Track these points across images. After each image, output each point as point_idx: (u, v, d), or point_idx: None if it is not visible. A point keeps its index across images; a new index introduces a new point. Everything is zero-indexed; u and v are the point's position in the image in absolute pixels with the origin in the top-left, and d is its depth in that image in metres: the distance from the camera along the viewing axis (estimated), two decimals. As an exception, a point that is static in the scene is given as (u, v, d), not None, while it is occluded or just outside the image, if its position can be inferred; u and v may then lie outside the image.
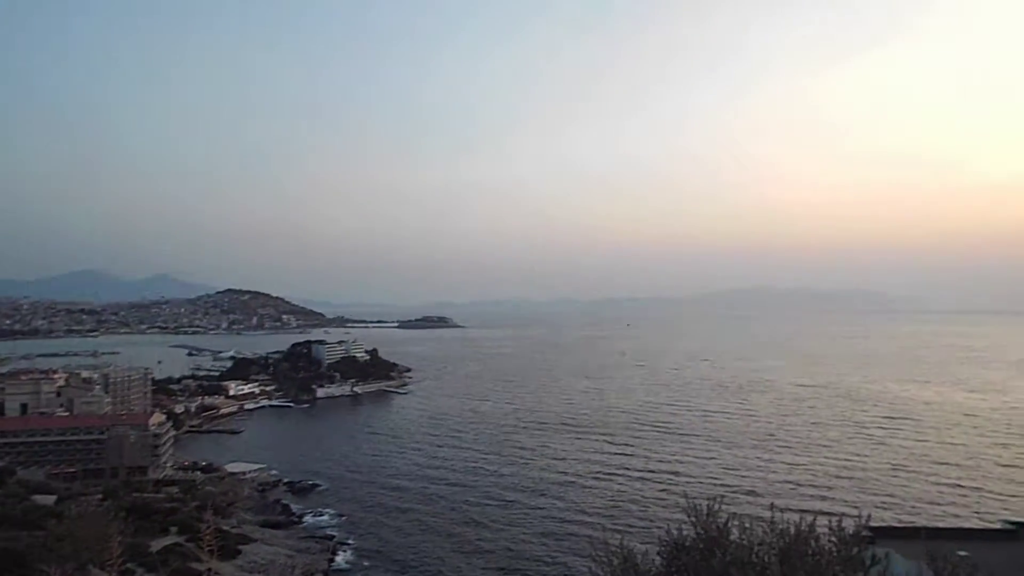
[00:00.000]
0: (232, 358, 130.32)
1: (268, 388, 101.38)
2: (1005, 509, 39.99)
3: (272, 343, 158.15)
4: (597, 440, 64.04)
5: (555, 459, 56.60)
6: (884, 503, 42.13)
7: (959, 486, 45.41)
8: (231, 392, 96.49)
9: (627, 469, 52.03)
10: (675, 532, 6.59)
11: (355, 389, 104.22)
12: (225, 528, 39.99)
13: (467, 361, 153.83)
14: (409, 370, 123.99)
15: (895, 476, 48.69)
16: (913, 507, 41.35)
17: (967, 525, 26.69)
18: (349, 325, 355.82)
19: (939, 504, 41.98)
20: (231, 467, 57.86)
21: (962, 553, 7.37)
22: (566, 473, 51.68)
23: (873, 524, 8.28)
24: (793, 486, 46.28)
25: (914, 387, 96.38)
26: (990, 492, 44.17)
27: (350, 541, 41.48)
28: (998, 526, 16.01)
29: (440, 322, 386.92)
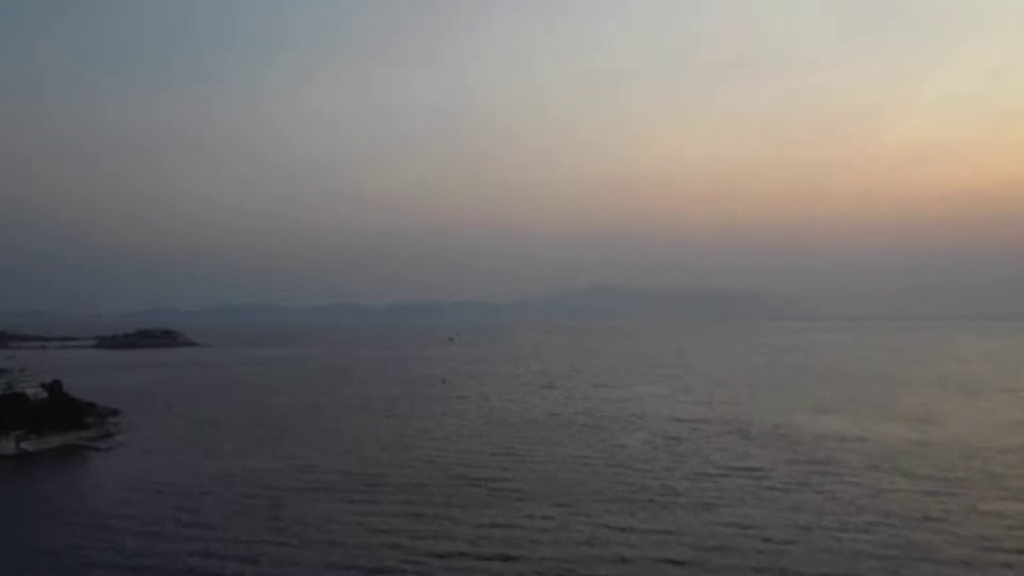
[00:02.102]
0: None
1: None
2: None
3: None
4: (394, 506, 54.94)
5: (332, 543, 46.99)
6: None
7: (887, 556, 41.53)
8: None
9: (427, 554, 43.73)
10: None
11: (23, 445, 79.31)
12: None
13: (207, 396, 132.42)
14: (116, 412, 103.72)
15: (797, 545, 43.18)
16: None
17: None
18: (14, 345, 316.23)
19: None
20: None
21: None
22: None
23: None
24: (655, 564, 40.91)
25: (826, 418, 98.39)
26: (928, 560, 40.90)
27: None
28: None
29: (165, 339, 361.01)
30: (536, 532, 46.72)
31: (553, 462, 70.44)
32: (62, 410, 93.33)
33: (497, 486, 60.26)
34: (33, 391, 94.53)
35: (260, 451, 79.17)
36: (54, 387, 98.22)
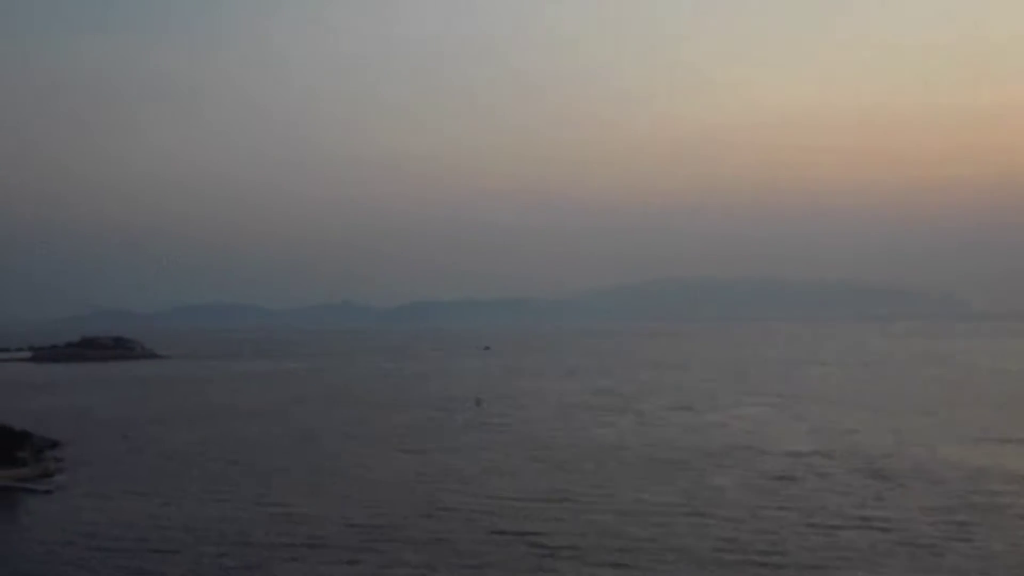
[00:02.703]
0: None
1: None
2: None
3: None
4: (410, 569, 53.22)
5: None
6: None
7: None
8: None
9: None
10: None
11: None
12: None
13: (172, 424, 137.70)
14: (56, 444, 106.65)
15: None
16: None
17: None
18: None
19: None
20: None
21: None
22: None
23: None
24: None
25: (988, 450, 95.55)
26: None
27: None
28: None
29: (118, 349, 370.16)
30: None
31: (618, 511, 68.63)
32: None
33: (544, 542, 58.79)
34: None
35: (238, 496, 78.52)
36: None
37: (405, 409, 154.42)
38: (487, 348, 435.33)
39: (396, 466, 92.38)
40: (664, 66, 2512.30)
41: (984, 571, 50.28)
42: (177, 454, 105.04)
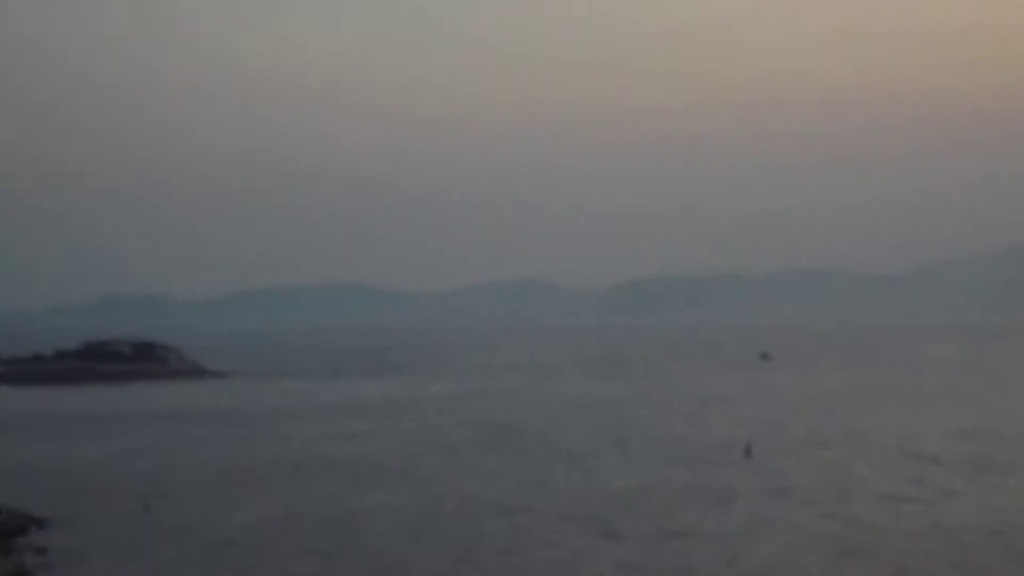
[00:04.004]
0: None
1: None
2: None
3: None
4: None
5: None
6: None
7: None
8: None
9: None
10: None
11: None
12: None
13: (230, 488, 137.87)
14: (41, 524, 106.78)
15: None
16: None
17: None
18: None
19: None
20: None
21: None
22: None
23: None
24: None
25: None
26: None
27: None
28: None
29: (142, 361, 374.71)
30: None
31: None
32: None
33: None
34: None
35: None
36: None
37: (613, 460, 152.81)
38: (764, 356, 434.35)
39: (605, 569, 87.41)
40: None
41: None
42: (235, 541, 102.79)
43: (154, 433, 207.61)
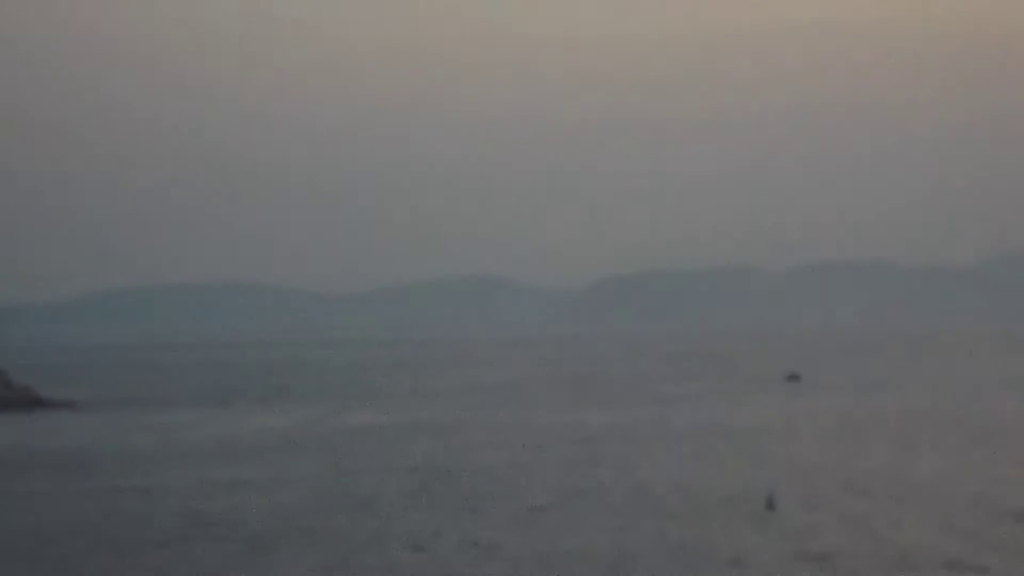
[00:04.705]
0: None
1: None
2: None
3: None
4: None
5: None
6: None
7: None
8: None
9: None
10: None
11: None
12: None
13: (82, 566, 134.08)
14: None
15: None
16: None
17: None
18: None
19: None
20: None
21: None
22: None
23: None
24: None
25: None
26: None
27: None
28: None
29: None
30: None
31: None
32: None
33: None
34: None
35: None
36: None
37: (604, 512, 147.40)
38: (792, 377, 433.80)
39: None
40: None
41: None
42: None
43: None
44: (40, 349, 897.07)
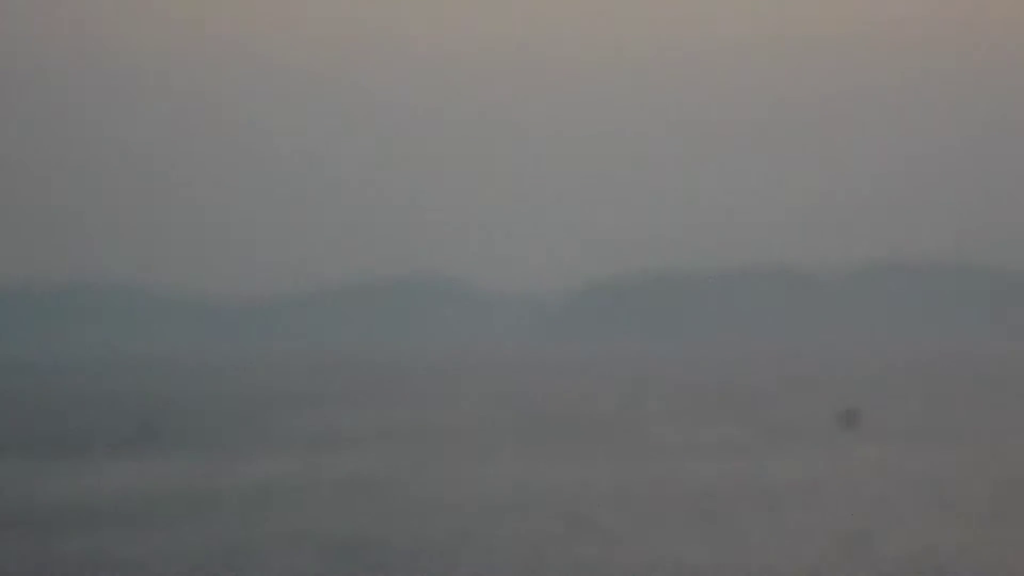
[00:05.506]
0: None
1: None
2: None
3: None
4: None
5: None
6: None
7: None
8: None
9: None
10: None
11: None
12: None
13: None
14: None
15: None
16: None
17: None
18: None
19: None
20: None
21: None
22: None
23: None
24: None
25: None
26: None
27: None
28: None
29: None
30: None
31: None
32: None
33: None
34: None
35: None
36: None
37: None
38: (848, 417, 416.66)
39: None
40: None
41: None
42: None
43: None
44: None
